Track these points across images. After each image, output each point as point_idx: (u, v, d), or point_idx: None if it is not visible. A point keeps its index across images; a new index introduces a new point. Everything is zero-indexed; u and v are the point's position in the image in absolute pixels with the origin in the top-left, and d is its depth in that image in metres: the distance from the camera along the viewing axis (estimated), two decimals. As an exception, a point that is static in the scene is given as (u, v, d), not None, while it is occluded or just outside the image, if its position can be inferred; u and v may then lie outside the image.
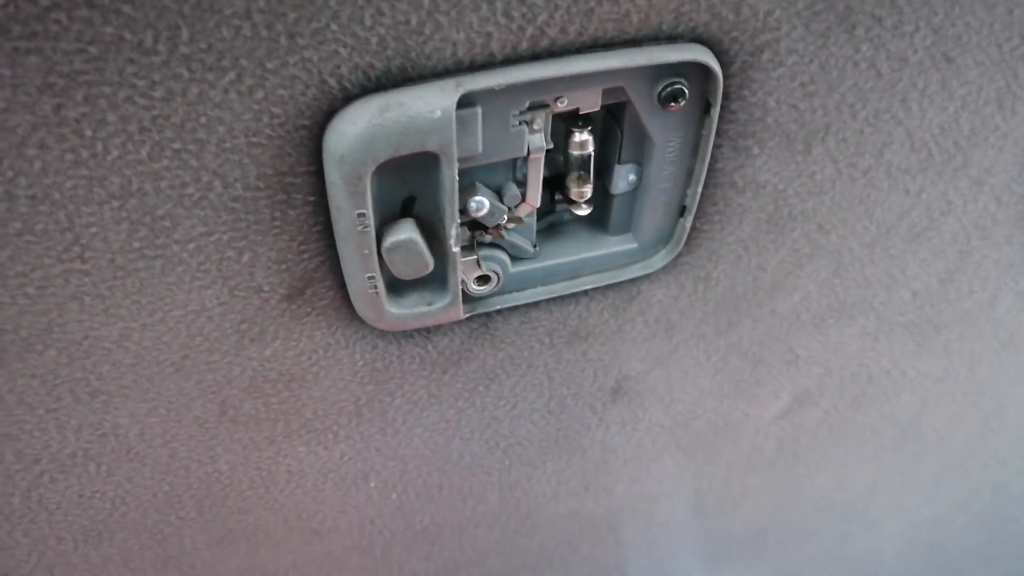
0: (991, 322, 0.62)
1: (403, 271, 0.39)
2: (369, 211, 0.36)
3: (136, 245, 0.35)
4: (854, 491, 0.80)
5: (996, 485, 0.89)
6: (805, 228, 0.47)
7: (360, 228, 0.36)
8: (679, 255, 0.46)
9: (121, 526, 0.51)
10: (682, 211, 0.44)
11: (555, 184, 0.43)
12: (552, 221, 0.45)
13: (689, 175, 0.42)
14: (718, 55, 0.37)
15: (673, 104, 0.38)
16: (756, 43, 0.37)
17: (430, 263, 0.39)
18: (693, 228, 0.45)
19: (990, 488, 0.89)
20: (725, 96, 0.39)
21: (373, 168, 0.34)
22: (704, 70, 0.37)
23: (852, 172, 0.45)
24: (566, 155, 0.41)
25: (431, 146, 0.34)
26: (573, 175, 0.42)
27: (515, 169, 0.40)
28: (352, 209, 0.35)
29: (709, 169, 0.42)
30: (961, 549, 0.99)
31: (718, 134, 0.40)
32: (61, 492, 0.47)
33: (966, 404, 0.72)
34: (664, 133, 0.40)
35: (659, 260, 0.46)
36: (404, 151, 0.34)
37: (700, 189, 0.42)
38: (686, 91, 0.37)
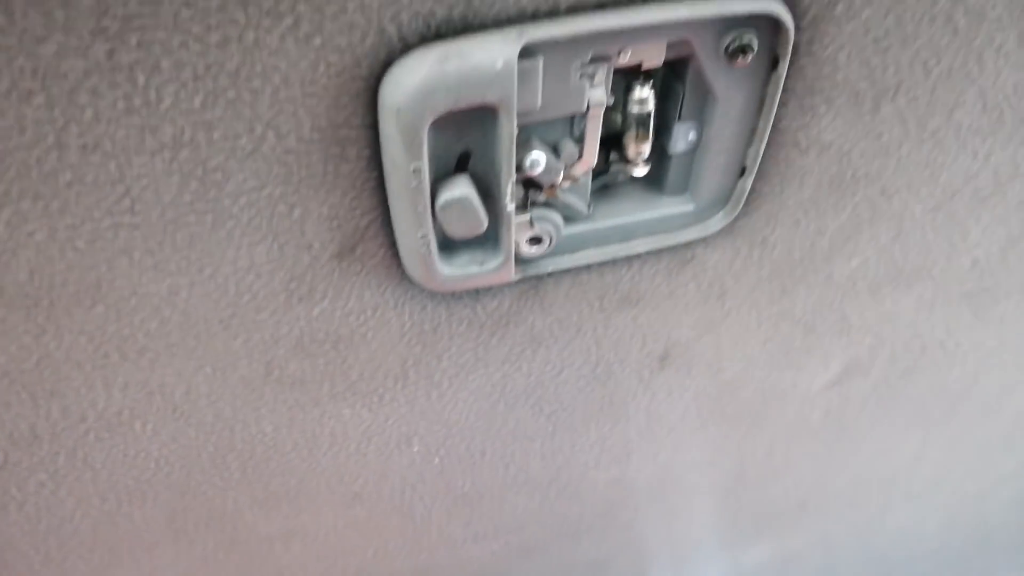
0: (1051, 293, 0.60)
1: (457, 229, 0.38)
2: (424, 166, 0.35)
3: (187, 198, 0.34)
4: (898, 462, 0.79)
5: (1043, 460, 0.87)
6: (868, 191, 0.46)
7: (415, 184, 0.35)
8: (736, 217, 0.45)
9: (165, 486, 0.50)
10: (742, 171, 0.42)
11: (611, 143, 0.42)
12: (606, 181, 0.44)
13: (751, 134, 0.41)
14: (790, 6, 0.35)
15: (740, 59, 0.36)
16: (831, -7, 0.35)
17: (484, 221, 0.38)
18: (752, 190, 0.44)
19: (1036, 463, 0.87)
20: (794, 51, 0.37)
21: (431, 121, 0.33)
22: (774, 23, 0.35)
23: (920, 133, 0.43)
24: (624, 112, 0.40)
25: (491, 98, 0.33)
26: (631, 133, 0.40)
27: (572, 125, 0.39)
28: (407, 163, 0.34)
29: (772, 128, 0.40)
30: (1002, 524, 0.98)
31: (784, 91, 0.39)
32: (107, 451, 0.46)
33: (1019, 376, 0.70)
34: (728, 90, 0.38)
35: (716, 223, 0.44)
36: (463, 103, 0.33)
37: (763, 148, 0.41)
38: (755, 45, 0.36)
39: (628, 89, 0.39)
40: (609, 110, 0.39)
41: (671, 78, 0.40)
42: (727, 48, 0.36)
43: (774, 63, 0.37)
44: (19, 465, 0.45)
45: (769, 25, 0.36)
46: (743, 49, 0.36)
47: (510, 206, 0.38)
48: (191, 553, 0.58)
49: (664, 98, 0.40)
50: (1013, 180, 0.49)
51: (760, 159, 0.41)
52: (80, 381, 0.41)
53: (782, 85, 0.38)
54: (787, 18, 0.35)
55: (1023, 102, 0.43)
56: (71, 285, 0.36)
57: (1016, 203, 0.50)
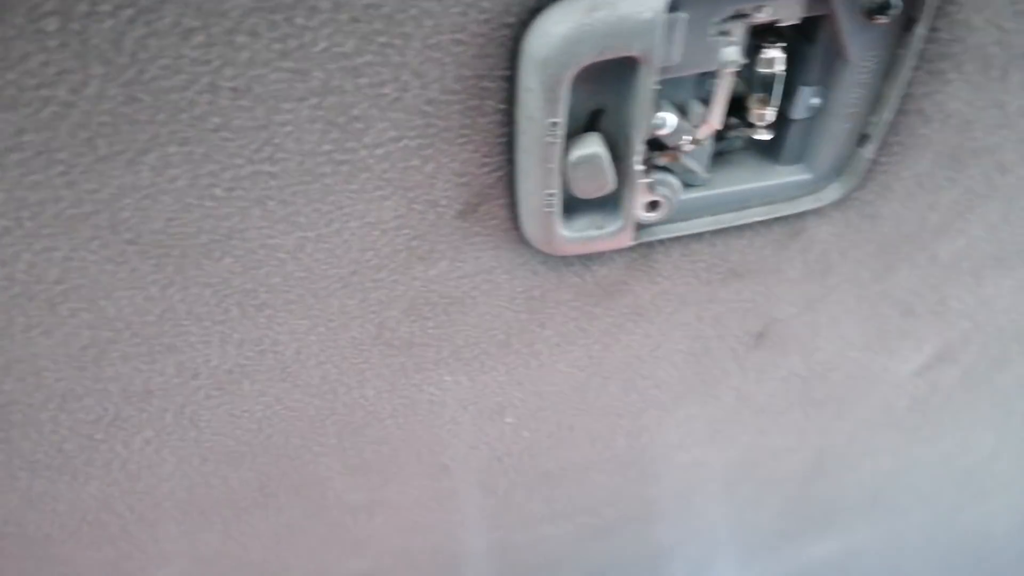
0: None
1: (584, 189, 0.38)
2: (563, 120, 0.34)
3: (326, 148, 0.34)
4: (974, 457, 0.77)
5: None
6: (984, 165, 0.45)
7: (550, 139, 0.35)
8: (851, 189, 0.44)
9: (264, 449, 0.51)
10: (862, 140, 0.42)
11: (731, 108, 0.42)
12: (722, 148, 0.44)
13: (877, 100, 0.40)
14: None
15: (880, 16, 0.36)
16: (976, -49, 0.35)
17: (612, 181, 0.38)
18: (870, 160, 0.43)
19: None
20: (931, 12, 0.37)
21: (574, 72, 0.33)
22: (916, -20, 0.35)
23: (1045, 104, 0.43)
24: (750, 75, 0.39)
25: (636, 50, 0.33)
26: (755, 96, 0.40)
27: (701, 87, 0.39)
28: (545, 118, 0.34)
29: (900, 94, 0.40)
30: (1074, 527, 0.96)
31: (917, 54, 0.38)
32: (213, 410, 0.47)
33: (1108, 370, 0.69)
34: (861, 51, 0.38)
35: (832, 193, 0.44)
36: (608, 55, 0.33)
37: (889, 116, 0.40)
38: (895, 2, 0.35)
39: (757, 50, 0.38)
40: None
41: (798, 40, 0.39)
42: (867, 6, 0.35)
43: (909, 24, 0.37)
44: (128, 421, 0.46)
45: (909, -17, 0.35)
46: (884, 7, 0.35)
47: (639, 166, 0.38)
48: (278, 520, 0.58)
49: (789, 61, 0.40)
50: None
51: (882, 128, 0.41)
52: (198, 336, 0.42)
53: (914, 48, 0.37)
54: None
55: None
56: (204, 235, 0.37)
57: None
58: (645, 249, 0.45)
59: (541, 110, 0.34)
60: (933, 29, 0.38)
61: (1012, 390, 0.68)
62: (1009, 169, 0.46)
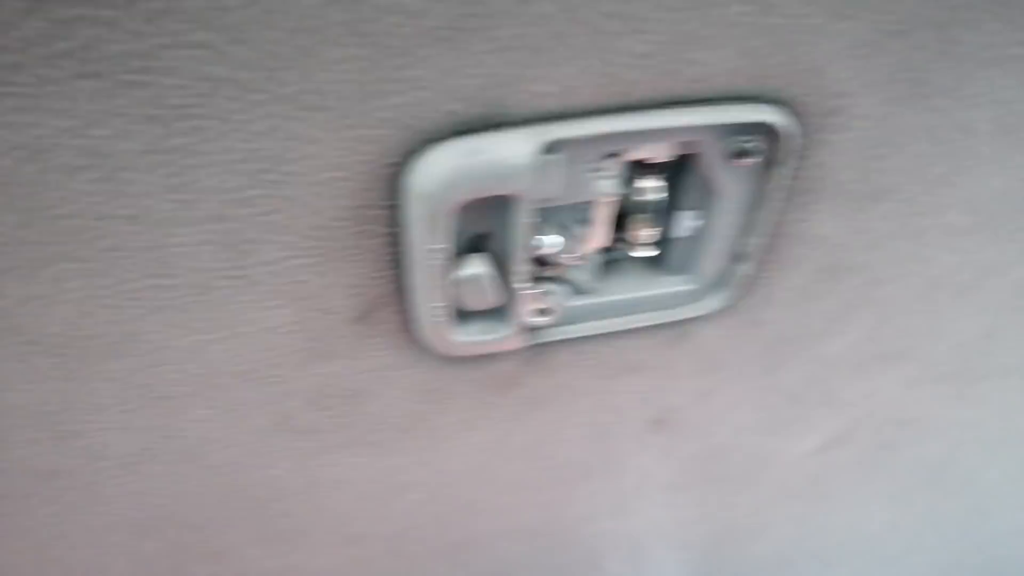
0: (1030, 375, 0.63)
1: (470, 303, 0.40)
2: (446, 246, 0.37)
3: (220, 266, 0.36)
4: (875, 527, 0.81)
5: (1018, 530, 0.89)
6: (858, 279, 0.48)
7: (435, 262, 0.38)
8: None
9: (172, 522, 0.52)
10: (739, 258, 0.45)
11: (620, 223, 0.44)
12: (614, 257, 0.46)
13: (750, 225, 0.43)
14: (793, 112, 0.38)
15: (742, 160, 0.39)
16: (830, 107, 0.38)
17: (497, 296, 0.40)
18: (749, 275, 0.46)
19: (1011, 533, 0.89)
20: (793, 155, 0.40)
21: (454, 207, 0.35)
22: (774, 130, 0.38)
23: (909, 231, 0.46)
24: (632, 200, 0.42)
25: (512, 190, 0.35)
26: (637, 219, 0.43)
27: (581, 211, 0.41)
28: (429, 244, 0.37)
29: (770, 221, 0.43)
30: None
31: (783, 189, 0.41)
32: (119, 487, 0.48)
33: (997, 451, 0.72)
34: (729, 186, 0.41)
35: (714, 303, 0.47)
36: (485, 193, 0.35)
37: (759, 239, 0.43)
38: (755, 150, 0.38)
39: (635, 178, 0.41)
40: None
41: (677, 169, 0.42)
42: (731, 150, 0.38)
43: (770, 165, 0.40)
44: (34, 498, 0.47)
45: (770, 131, 0.38)
46: (745, 152, 0.38)
47: (521, 284, 0.40)
48: (190, 585, 0.60)
49: (670, 184, 0.43)
50: (994, 275, 0.51)
51: (757, 248, 0.44)
52: (102, 424, 0.43)
53: (779, 185, 0.40)
54: (785, 127, 0.37)
55: (1005, 207, 0.46)
56: (106, 337, 0.38)
57: (997, 295, 0.53)
58: (539, 348, 0.47)
59: (425, 237, 0.36)
60: (797, 169, 0.41)
61: (906, 468, 0.71)
62: (884, 282, 0.49)
